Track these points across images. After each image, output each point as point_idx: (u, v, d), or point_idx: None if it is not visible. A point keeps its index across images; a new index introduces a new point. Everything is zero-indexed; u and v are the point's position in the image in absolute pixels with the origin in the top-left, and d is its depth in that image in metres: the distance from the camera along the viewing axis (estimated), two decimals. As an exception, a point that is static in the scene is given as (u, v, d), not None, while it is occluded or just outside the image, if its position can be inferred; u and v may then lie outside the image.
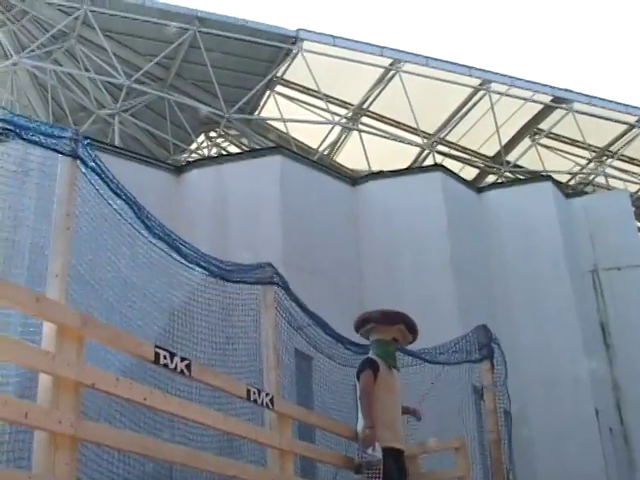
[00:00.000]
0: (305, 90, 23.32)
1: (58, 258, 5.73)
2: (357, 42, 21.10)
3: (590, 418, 16.08)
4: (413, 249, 15.98)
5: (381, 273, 15.70)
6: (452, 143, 24.51)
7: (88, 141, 6.20)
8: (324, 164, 19.68)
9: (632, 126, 23.42)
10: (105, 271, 6.78)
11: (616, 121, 23.14)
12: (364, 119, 24.07)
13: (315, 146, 24.63)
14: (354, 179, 17.52)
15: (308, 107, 23.52)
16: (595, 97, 22.57)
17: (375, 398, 7.72)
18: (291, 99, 23.79)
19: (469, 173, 24.26)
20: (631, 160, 24.92)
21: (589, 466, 15.41)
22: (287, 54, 21.93)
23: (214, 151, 25.93)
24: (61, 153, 5.99)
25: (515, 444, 11.73)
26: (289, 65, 22.39)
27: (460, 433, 10.29)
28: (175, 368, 6.07)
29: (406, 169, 19.91)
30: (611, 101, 22.73)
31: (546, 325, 16.72)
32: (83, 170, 6.13)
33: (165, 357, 5.97)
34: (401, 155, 23.42)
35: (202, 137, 26.10)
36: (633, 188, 24.61)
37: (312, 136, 24.30)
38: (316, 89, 21.98)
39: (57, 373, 5.10)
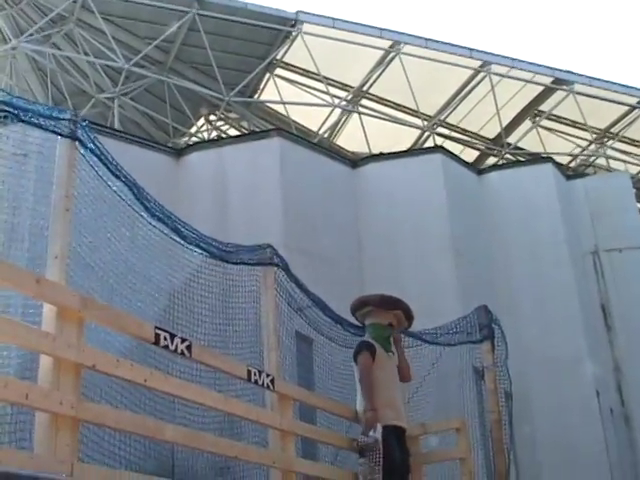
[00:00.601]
0: (305, 73, 23.26)
1: (57, 240, 5.74)
2: (357, 24, 21.03)
3: (591, 399, 16.11)
4: (414, 231, 15.97)
5: (382, 255, 15.69)
6: (452, 125, 24.47)
7: (87, 123, 6.20)
8: (324, 146, 19.64)
9: (633, 107, 23.37)
10: (105, 253, 6.78)
11: (617, 102, 23.09)
12: (364, 101, 24.01)
13: (315, 129, 24.59)
14: (354, 161, 17.50)
15: (308, 90, 23.46)
16: (596, 78, 22.50)
17: (375, 379, 7.77)
18: (291, 82, 23.72)
19: (470, 155, 24.23)
20: (632, 141, 24.88)
21: (590, 447, 15.47)
22: (287, 37, 21.87)
23: (214, 134, 25.86)
24: (60, 135, 5.99)
25: (516, 424, 11.78)
26: (289, 48, 22.32)
27: (461, 414, 10.33)
28: (175, 349, 6.07)
29: (406, 151, 19.84)
30: (612, 82, 22.67)
31: (547, 306, 16.73)
32: (82, 152, 6.13)
33: (165, 338, 5.97)
34: (401, 137, 23.39)
35: (202, 120, 26.04)
36: (634, 169, 24.60)
37: (312, 119, 24.26)
38: (316, 71, 21.92)
39: (57, 354, 5.10)
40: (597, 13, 74.00)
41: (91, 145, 6.17)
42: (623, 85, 22.80)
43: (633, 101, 23.11)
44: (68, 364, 5.16)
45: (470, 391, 11.24)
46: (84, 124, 6.13)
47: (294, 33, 21.49)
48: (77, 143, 6.06)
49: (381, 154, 17.98)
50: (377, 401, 7.68)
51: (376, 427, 7.50)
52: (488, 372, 10.24)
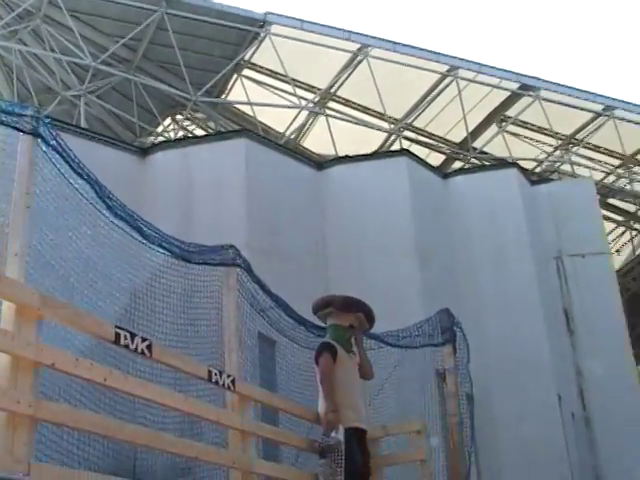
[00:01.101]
0: (272, 74, 23.25)
1: (17, 237, 5.69)
2: (325, 26, 21.02)
3: (552, 403, 16.24)
4: (379, 233, 16.01)
5: (346, 256, 15.72)
6: (419, 129, 24.56)
7: (49, 119, 6.15)
8: (290, 148, 19.62)
9: (598, 114, 23.57)
10: (66, 251, 6.73)
11: (583, 109, 23.29)
12: (331, 104, 24.04)
13: (282, 130, 24.57)
14: (320, 163, 17.52)
15: (275, 91, 23.45)
16: (562, 85, 22.69)
17: (336, 380, 7.77)
18: (258, 83, 23.69)
19: (436, 159, 24.31)
20: (597, 148, 25.11)
21: (551, 450, 15.59)
22: (255, 37, 21.81)
23: (180, 134, 25.77)
24: (21, 131, 5.94)
25: (478, 427, 11.82)
26: (257, 49, 22.28)
27: (422, 416, 10.36)
28: (136, 349, 6.04)
29: (372, 154, 19.83)
30: (578, 89, 22.87)
31: (510, 310, 16.83)
32: (44, 149, 6.08)
33: (126, 337, 5.94)
34: (368, 140, 23.40)
35: (168, 120, 25.94)
36: (598, 176, 24.81)
37: (279, 120, 24.24)
38: (283, 73, 21.91)
39: (16, 353, 5.06)
40: (563, 20, 74.55)
41: (53, 142, 6.12)
42: (589, 92, 23.03)
43: (598, 108, 23.32)
44: (26, 362, 5.12)
45: (432, 394, 11.28)
46: (46, 121, 6.08)
47: (262, 34, 21.45)
48: (39, 140, 6.02)
49: (347, 157, 17.99)
50: (338, 402, 7.68)
51: (338, 428, 7.50)
52: (449, 375, 10.29)
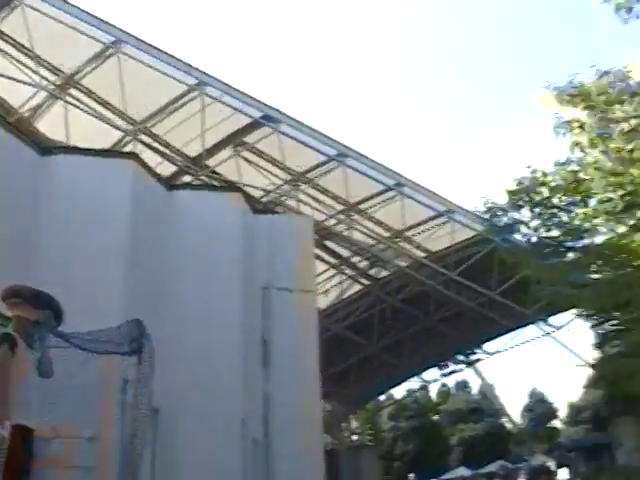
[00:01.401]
0: (18, 46, 22.25)
1: None
2: (83, 12, 20.40)
3: (236, 427, 16.49)
4: (91, 231, 15.54)
5: (56, 250, 15.17)
6: (156, 136, 24.35)
7: None
8: (17, 126, 18.73)
9: (331, 159, 24.39)
10: None
11: (318, 151, 24.01)
12: (74, 91, 23.34)
13: (17, 106, 23.55)
14: (45, 148, 16.81)
15: (18, 65, 22.45)
16: (303, 123, 23.27)
17: (11, 374, 7.50)
18: (1, 51, 22.60)
19: (167, 169, 24.22)
20: (324, 191, 26.00)
21: (229, 472, 15.84)
22: (7, 4, 20.82)
23: None
24: None
25: (162, 442, 11.81)
26: (7, 15, 21.25)
27: (99, 423, 10.23)
28: None
29: (101, 150, 19.32)
30: (317, 130, 23.53)
31: (211, 333, 16.91)
32: None
33: None
34: (104, 136, 22.94)
35: None
36: (320, 217, 25.65)
37: (17, 95, 23.20)
38: (29, 47, 21.05)
39: None
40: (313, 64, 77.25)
41: None
42: (327, 136, 23.75)
43: (332, 153, 24.13)
44: None
45: (114, 402, 11.14)
46: None
47: (16, 2, 20.49)
48: None
49: (74, 147, 17.52)
50: (9, 397, 7.41)
51: (4, 424, 7.23)
52: (131, 386, 10.24)
